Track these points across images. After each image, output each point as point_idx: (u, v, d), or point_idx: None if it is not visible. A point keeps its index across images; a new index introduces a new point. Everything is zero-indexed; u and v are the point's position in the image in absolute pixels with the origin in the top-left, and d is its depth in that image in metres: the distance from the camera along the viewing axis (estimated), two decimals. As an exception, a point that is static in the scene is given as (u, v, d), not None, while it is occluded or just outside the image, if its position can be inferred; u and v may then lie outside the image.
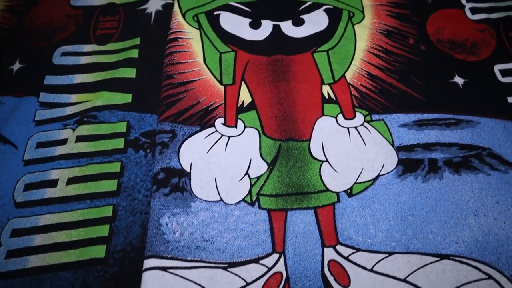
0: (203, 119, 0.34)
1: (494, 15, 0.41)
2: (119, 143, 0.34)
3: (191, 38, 0.38)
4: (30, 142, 0.34)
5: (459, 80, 0.37)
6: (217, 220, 0.30)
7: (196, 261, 0.29)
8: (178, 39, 0.38)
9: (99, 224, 0.30)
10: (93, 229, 0.30)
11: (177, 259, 0.28)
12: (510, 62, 0.38)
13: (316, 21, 0.40)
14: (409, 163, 0.33)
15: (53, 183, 0.32)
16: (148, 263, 0.28)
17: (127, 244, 0.30)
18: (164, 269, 0.28)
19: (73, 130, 0.35)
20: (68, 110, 0.36)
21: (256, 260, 0.29)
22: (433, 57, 0.38)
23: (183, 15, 0.40)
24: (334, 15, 0.40)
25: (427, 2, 0.42)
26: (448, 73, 0.37)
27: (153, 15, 0.41)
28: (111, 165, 0.33)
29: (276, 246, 0.29)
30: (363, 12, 0.41)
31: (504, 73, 0.38)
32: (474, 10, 0.42)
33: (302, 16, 0.40)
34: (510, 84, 0.37)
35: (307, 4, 0.41)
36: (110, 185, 0.32)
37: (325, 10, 0.41)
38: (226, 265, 0.29)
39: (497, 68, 0.38)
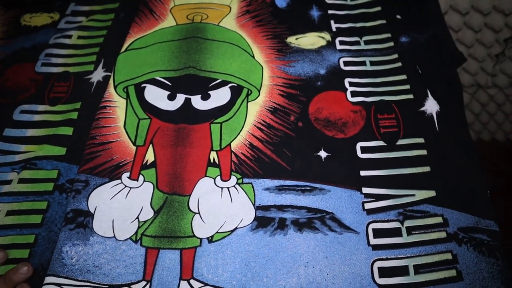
0: (112, 173, 0.48)
1: (369, 99, 0.54)
2: (49, 186, 0.48)
3: (117, 107, 0.53)
4: (-16, 181, 0.49)
5: (323, 153, 0.50)
6: (108, 251, 0.43)
7: (85, 281, 0.42)
8: (107, 107, 0.52)
9: (23, 248, 0.44)
10: (18, 251, 0.44)
11: (70, 278, 0.42)
12: (371, 141, 0.51)
13: (220, 97, 0.53)
14: (262, 220, 0.45)
15: (-5, 214, 0.47)
16: (48, 279, 0.41)
17: (39, 265, 0.43)
18: (59, 285, 0.41)
19: (18, 173, 0.49)
20: (17, 157, 0.51)
21: (129, 285, 0.42)
22: (307, 133, 0.51)
23: (115, 87, 0.54)
24: (235, 92, 0.54)
25: (316, 85, 0.55)
26: (315, 147, 0.50)
27: (94, 84, 0.56)
28: (40, 203, 0.47)
29: (146, 276, 0.42)
30: (259, 91, 0.54)
31: (364, 149, 0.50)
32: (354, 93, 0.54)
33: (210, 92, 0.54)
34: (366, 159, 0.49)
35: (217, 81, 0.55)
36: (36, 219, 0.46)
37: (230, 88, 0.54)
38: (107, 287, 0.42)
39: (359, 145, 0.50)
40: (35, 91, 0.56)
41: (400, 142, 0.51)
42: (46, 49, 0.60)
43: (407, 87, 0.55)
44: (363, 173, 0.48)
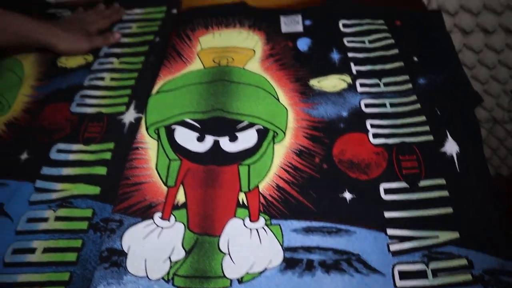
0: (145, 213, 0.50)
1: (390, 141, 0.55)
2: (84, 225, 0.50)
3: (149, 148, 0.55)
4: (23, 217, 0.51)
5: (347, 195, 0.51)
6: (141, 291, 0.45)
7: (119, 321, 0.43)
8: (139, 148, 0.55)
9: (58, 285, 0.46)
10: (53, 288, 0.46)
11: (105, 317, 0.43)
12: (394, 182, 0.52)
13: (247, 139, 0.55)
14: (291, 261, 0.46)
15: (32, 251, 0.48)
16: (85, 318, 0.43)
17: (74, 303, 0.45)
18: (95, 324, 0.43)
19: (54, 211, 0.51)
20: (54, 196, 0.53)
21: (162, 324, 0.43)
22: (331, 174, 0.53)
23: (147, 128, 0.57)
24: (262, 134, 0.56)
25: (339, 127, 0.57)
26: (340, 189, 0.51)
27: (126, 125, 0.59)
28: (75, 241, 0.49)
29: (178, 315, 0.44)
30: (285, 133, 0.56)
31: (387, 191, 0.51)
32: (375, 135, 0.56)
33: (237, 134, 0.56)
34: (389, 201, 0.51)
35: (244, 124, 0.57)
36: (71, 257, 0.48)
37: (256, 130, 0.57)
38: (141, 326, 0.43)
39: (382, 186, 0.52)
40: (71, 130, 0.59)
41: (422, 183, 0.52)
42: (80, 90, 0.63)
43: (427, 128, 0.56)
44: (387, 214, 0.50)
